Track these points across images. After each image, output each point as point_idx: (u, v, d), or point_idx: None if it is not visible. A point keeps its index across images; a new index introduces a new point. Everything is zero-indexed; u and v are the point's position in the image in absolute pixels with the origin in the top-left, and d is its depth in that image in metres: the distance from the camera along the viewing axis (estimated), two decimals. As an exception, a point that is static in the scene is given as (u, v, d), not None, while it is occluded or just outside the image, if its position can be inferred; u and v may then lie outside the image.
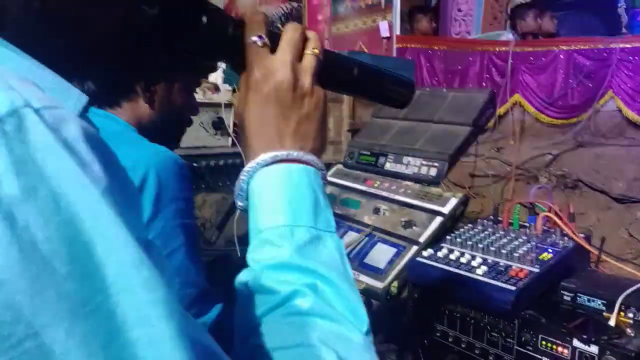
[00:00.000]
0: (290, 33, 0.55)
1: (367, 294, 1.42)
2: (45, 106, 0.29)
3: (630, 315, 1.12)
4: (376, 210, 1.64)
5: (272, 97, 0.52)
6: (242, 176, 0.53)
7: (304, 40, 0.55)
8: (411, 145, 1.74)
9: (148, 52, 0.57)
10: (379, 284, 1.37)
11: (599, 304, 1.16)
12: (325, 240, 0.51)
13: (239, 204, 0.55)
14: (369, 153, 1.86)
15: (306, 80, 0.54)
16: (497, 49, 4.16)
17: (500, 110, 4.04)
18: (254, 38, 0.53)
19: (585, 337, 1.06)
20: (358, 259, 1.48)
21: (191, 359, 0.29)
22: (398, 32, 4.88)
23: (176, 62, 1.06)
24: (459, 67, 4.37)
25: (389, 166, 1.77)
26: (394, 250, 1.46)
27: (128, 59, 0.51)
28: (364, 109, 3.81)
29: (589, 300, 1.18)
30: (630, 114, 3.66)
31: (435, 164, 1.62)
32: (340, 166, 1.96)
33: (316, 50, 0.55)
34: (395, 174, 1.74)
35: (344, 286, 0.48)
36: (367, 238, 1.54)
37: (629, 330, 1.09)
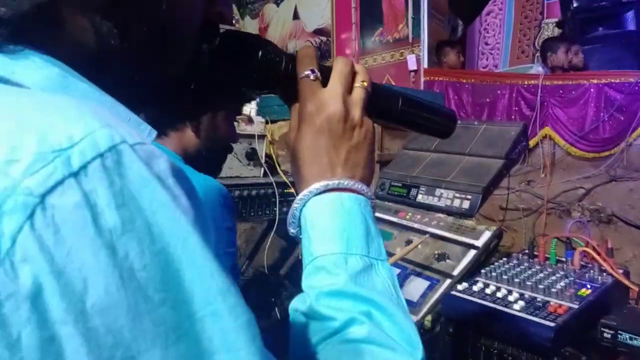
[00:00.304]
0: (340, 66, 0.57)
1: (400, 327, 1.41)
2: (138, 142, 0.31)
3: (675, 354, 1.09)
4: (408, 242, 1.64)
5: (324, 129, 0.55)
6: (296, 204, 0.54)
7: (353, 73, 0.58)
8: (444, 177, 1.74)
9: (205, 87, 0.60)
10: (412, 318, 1.35)
11: (642, 343, 1.13)
12: (377, 268, 0.52)
13: (292, 231, 0.56)
14: (400, 185, 1.87)
15: (356, 112, 0.56)
16: (526, 82, 4.15)
17: (530, 143, 4.01)
18: (307, 72, 0.56)
19: (628, 376, 1.03)
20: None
21: None
22: (426, 66, 4.92)
23: (226, 93, 1.10)
24: (487, 100, 4.37)
25: (421, 198, 1.77)
26: (427, 283, 1.45)
27: (185, 96, 0.54)
28: (392, 140, 3.82)
29: (630, 339, 1.15)
30: (664, 148, 3.59)
31: (469, 197, 1.62)
32: (371, 198, 1.97)
33: (365, 83, 0.58)
34: (427, 206, 1.73)
35: (398, 314, 0.49)
36: (399, 270, 1.54)
37: (673, 371, 1.06)
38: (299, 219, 0.55)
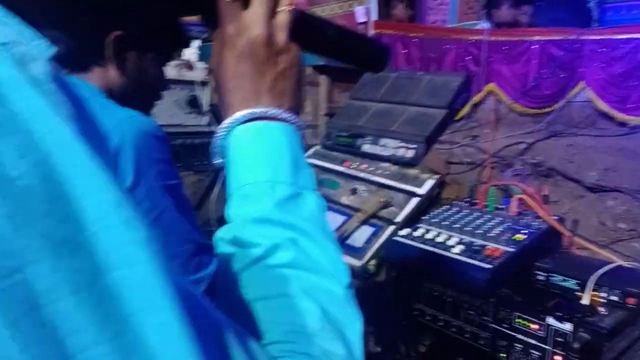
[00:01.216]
0: None
1: (344, 273, 1.42)
2: (13, 41, 0.27)
3: (603, 294, 1.14)
4: (354, 191, 1.64)
5: (246, 53, 0.51)
6: (219, 133, 0.52)
7: None
8: (388, 127, 1.73)
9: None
10: (357, 262, 1.36)
11: (573, 284, 1.18)
12: (305, 197, 0.51)
13: (217, 160, 0.54)
14: (346, 134, 1.85)
15: (281, 36, 0.53)
16: (471, 38, 4.18)
17: (475, 98, 4.07)
18: None
19: (559, 314, 1.07)
20: (337, 239, 1.47)
21: (174, 302, 0.28)
22: (375, 18, 4.86)
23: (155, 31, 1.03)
24: (435, 55, 4.39)
25: (366, 148, 1.76)
26: (371, 229, 1.45)
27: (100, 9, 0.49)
28: (341, 92, 3.80)
29: (563, 280, 1.20)
30: (602, 105, 3.73)
31: (412, 146, 1.62)
32: (318, 147, 1.94)
33: (290, 7, 0.54)
34: (372, 156, 1.73)
35: (324, 241, 0.49)
36: (345, 217, 1.53)
37: (601, 309, 1.11)
38: (224, 148, 0.52)
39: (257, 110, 0.51)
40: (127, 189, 0.87)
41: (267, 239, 0.47)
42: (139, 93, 1.07)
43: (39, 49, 0.35)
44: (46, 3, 0.42)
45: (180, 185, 0.95)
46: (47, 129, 0.26)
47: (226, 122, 0.52)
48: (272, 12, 0.53)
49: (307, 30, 0.59)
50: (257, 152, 0.50)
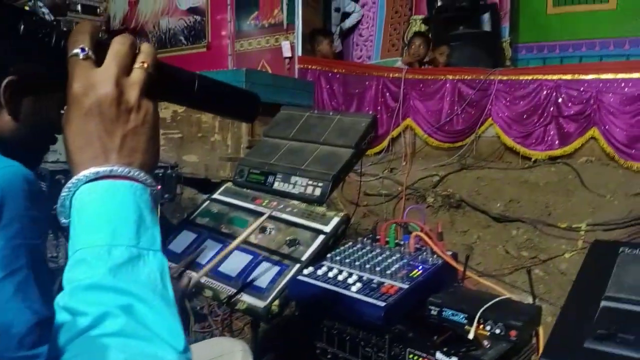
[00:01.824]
0: (116, 46, 0.54)
1: (250, 313, 1.42)
2: None
3: (488, 327, 1.21)
4: (263, 229, 1.65)
5: (94, 112, 0.51)
6: (64, 192, 0.51)
7: (134, 53, 0.55)
8: (299, 165, 1.77)
9: None
10: (260, 304, 1.37)
11: (461, 318, 1.25)
12: (146, 258, 0.50)
13: (63, 220, 0.52)
14: (258, 172, 1.88)
15: (132, 94, 0.53)
16: (391, 75, 4.38)
17: (394, 133, 4.26)
18: (76, 50, 0.52)
19: (446, 349, 1.13)
20: (242, 279, 1.48)
21: None
22: (300, 53, 4.98)
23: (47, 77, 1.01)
24: (357, 91, 4.55)
25: (277, 185, 1.79)
26: (277, 268, 1.47)
27: None
28: (263, 127, 3.83)
29: (452, 315, 1.27)
30: (507, 140, 4.00)
31: (320, 184, 1.67)
32: (230, 184, 1.95)
33: (145, 64, 0.54)
34: (283, 193, 1.76)
35: (160, 306, 0.48)
36: (252, 257, 1.54)
37: (485, 342, 1.19)
38: (70, 208, 0.51)
39: (103, 168, 0.50)
40: None
41: (96, 307, 0.46)
42: (33, 138, 1.04)
43: None
44: None
45: (41, 247, 0.91)
46: None
47: (71, 181, 0.51)
48: (126, 70, 0.53)
49: (169, 84, 0.59)
50: (98, 213, 0.50)
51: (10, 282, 0.83)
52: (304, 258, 1.48)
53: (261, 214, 1.72)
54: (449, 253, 1.44)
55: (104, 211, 0.50)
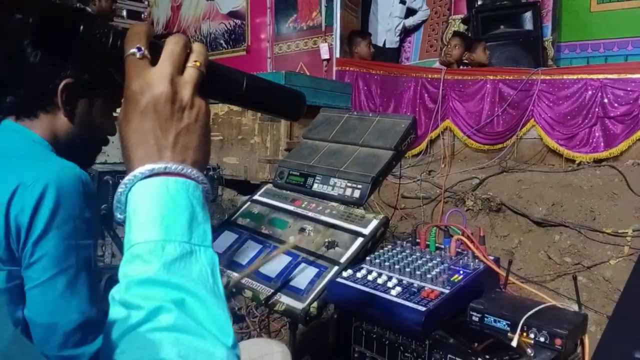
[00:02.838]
0: (171, 46, 0.55)
1: (288, 314, 1.43)
2: None
3: (532, 335, 1.19)
4: (302, 230, 1.66)
5: (150, 110, 0.52)
6: (120, 188, 0.52)
7: (187, 52, 0.56)
8: (338, 167, 1.78)
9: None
10: (299, 305, 1.38)
11: (504, 325, 1.23)
12: (198, 254, 0.51)
13: (118, 216, 0.54)
14: (298, 173, 1.89)
15: (186, 92, 0.54)
16: (430, 76, 4.33)
17: (432, 134, 4.20)
18: (133, 50, 0.53)
19: (488, 357, 1.11)
20: (281, 280, 1.49)
21: None
22: (338, 55, 4.98)
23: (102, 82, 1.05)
24: (395, 92, 4.52)
25: (316, 187, 1.80)
26: (315, 270, 1.48)
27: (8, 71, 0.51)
28: (302, 128, 3.85)
29: (495, 321, 1.24)
30: (550, 142, 3.89)
31: (359, 186, 1.66)
32: (270, 186, 1.97)
33: (198, 63, 0.56)
34: (322, 195, 1.77)
35: (210, 301, 0.49)
36: (290, 258, 1.55)
37: (529, 350, 1.16)
38: (125, 204, 0.52)
39: (158, 165, 0.51)
40: (34, 241, 0.86)
41: (150, 301, 0.47)
42: (87, 139, 1.08)
43: None
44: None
45: (92, 247, 0.94)
46: None
47: (127, 178, 0.52)
48: (179, 70, 0.54)
49: (219, 82, 0.60)
50: (153, 209, 0.50)
51: (60, 280, 0.86)
52: (342, 260, 1.48)
53: (300, 215, 1.73)
54: (491, 258, 1.42)
55: (158, 207, 0.50)
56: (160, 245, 0.49)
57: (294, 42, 5.70)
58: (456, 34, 5.12)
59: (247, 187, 3.59)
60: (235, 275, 1.55)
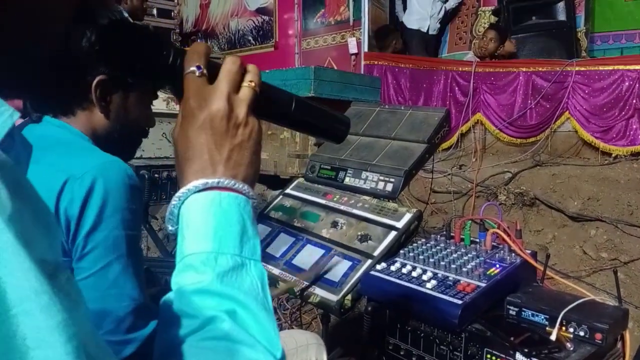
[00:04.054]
0: (228, 65, 0.57)
1: (322, 306, 1.44)
2: None
3: (571, 330, 1.16)
4: (334, 224, 1.67)
5: (206, 125, 0.54)
6: (174, 201, 0.54)
7: (243, 72, 0.58)
8: (369, 160, 1.77)
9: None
10: (333, 297, 1.38)
11: (542, 319, 1.20)
12: (248, 268, 0.52)
13: (170, 228, 0.55)
14: (329, 167, 1.89)
15: (241, 110, 0.56)
16: (460, 69, 4.27)
17: (463, 128, 4.15)
18: (192, 68, 0.55)
19: (526, 351, 1.10)
20: (314, 272, 1.50)
21: None
22: (366, 49, 4.96)
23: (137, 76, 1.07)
24: (424, 86, 4.47)
25: (348, 181, 1.80)
26: (349, 263, 1.48)
27: (68, 80, 0.52)
28: (330, 123, 3.85)
29: (532, 315, 1.22)
30: (585, 135, 3.80)
31: (392, 180, 1.65)
32: (301, 180, 1.98)
33: (253, 83, 0.58)
34: (354, 189, 1.76)
35: (261, 314, 0.50)
36: (324, 251, 1.56)
37: (568, 345, 1.14)
38: (178, 216, 0.54)
39: (211, 180, 0.53)
40: (86, 233, 0.89)
41: (205, 311, 0.48)
42: (125, 133, 1.10)
43: (5, 122, 0.38)
44: (30, 52, 0.45)
45: (139, 238, 0.97)
46: None
47: (181, 191, 0.54)
48: (236, 88, 0.57)
49: (270, 103, 0.62)
50: (206, 222, 0.52)
51: (112, 269, 0.89)
52: (376, 253, 1.48)
53: (332, 208, 1.74)
54: (528, 252, 1.39)
55: (211, 220, 0.52)
56: (213, 256, 0.51)
57: (321, 37, 5.70)
58: (492, 26, 5.02)
59: (276, 182, 3.61)
60: (269, 267, 1.57)
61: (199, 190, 0.53)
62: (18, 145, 0.42)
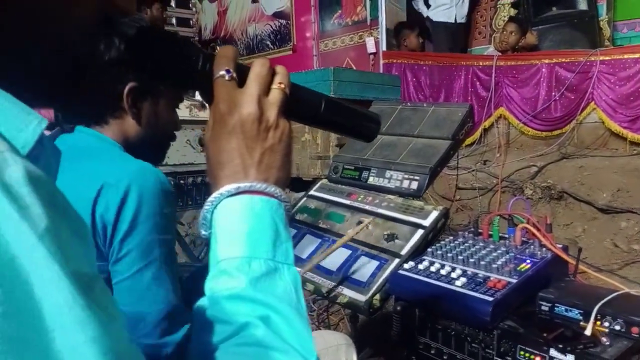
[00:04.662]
0: (257, 68, 0.57)
1: (351, 307, 1.44)
2: None
3: (606, 324, 1.14)
4: (359, 224, 1.66)
5: (237, 130, 0.54)
6: (206, 206, 0.54)
7: (272, 74, 0.57)
8: (393, 159, 1.76)
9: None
10: (361, 297, 1.38)
11: (576, 314, 1.18)
12: (282, 272, 0.52)
13: (203, 232, 0.55)
14: (352, 167, 1.89)
15: (271, 113, 0.56)
16: (480, 63, 4.22)
17: (486, 123, 4.10)
18: (222, 72, 0.55)
19: (561, 346, 1.08)
20: (342, 273, 1.50)
21: None
22: (384, 48, 4.94)
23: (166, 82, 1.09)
24: (445, 82, 4.44)
25: (372, 180, 1.79)
26: (376, 263, 1.47)
27: (100, 87, 0.53)
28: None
29: (566, 310, 1.20)
30: (613, 125, 3.72)
31: (417, 178, 1.64)
32: (325, 181, 1.98)
33: (282, 85, 0.57)
34: (378, 188, 1.76)
35: (295, 319, 0.50)
36: (350, 251, 1.56)
37: (604, 339, 1.11)
38: (211, 220, 0.54)
39: (244, 184, 0.53)
40: (121, 238, 0.91)
41: (239, 317, 0.48)
42: (155, 138, 1.13)
43: (34, 130, 0.39)
44: (53, 60, 0.46)
45: (172, 241, 0.98)
46: (12, 235, 0.29)
47: (213, 195, 0.54)
48: (265, 91, 0.56)
49: (299, 104, 0.62)
50: (239, 227, 0.52)
51: (147, 273, 0.91)
52: (403, 252, 1.47)
53: (357, 209, 1.73)
54: (559, 246, 1.37)
55: (244, 225, 0.52)
56: (247, 261, 0.51)
57: (339, 38, 5.70)
58: (512, 19, 4.94)
59: (299, 184, 3.62)
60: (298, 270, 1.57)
61: (232, 195, 0.53)
62: (48, 153, 0.42)
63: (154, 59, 0.55)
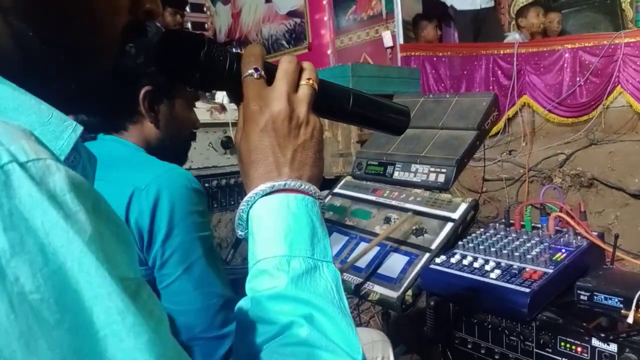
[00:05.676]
0: (285, 65, 0.56)
1: (383, 304, 1.42)
2: (31, 159, 0.30)
3: (650, 311, 1.10)
4: (387, 220, 1.64)
5: (269, 128, 0.54)
6: (242, 206, 0.54)
7: (299, 71, 0.57)
8: (418, 152, 1.74)
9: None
10: (393, 294, 1.36)
11: (616, 302, 1.15)
12: (321, 270, 0.51)
13: (239, 233, 0.55)
14: (376, 163, 1.87)
15: (302, 110, 0.55)
16: (501, 52, 4.15)
17: (509, 112, 4.03)
18: (250, 71, 0.55)
19: (603, 335, 1.05)
20: (372, 270, 1.48)
21: None
22: (401, 41, 4.89)
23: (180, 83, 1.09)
24: (465, 72, 4.37)
25: (397, 175, 1.77)
26: (406, 258, 1.45)
27: (125, 93, 0.53)
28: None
29: (605, 299, 1.17)
30: (641, 108, 3.62)
31: (443, 170, 1.62)
32: (349, 178, 1.96)
33: (311, 81, 0.57)
34: (404, 183, 1.73)
35: (338, 316, 0.49)
36: (379, 248, 1.54)
37: (648, 327, 1.08)
38: (247, 220, 0.54)
39: (278, 182, 0.53)
40: (161, 242, 0.91)
41: (282, 316, 0.48)
42: (175, 139, 1.13)
43: (70, 136, 0.38)
44: (86, 70, 0.46)
45: (211, 238, 0.99)
46: (60, 243, 0.29)
47: (248, 195, 0.53)
48: (294, 88, 0.56)
49: (327, 99, 0.61)
50: (276, 226, 0.51)
51: (193, 271, 0.92)
52: (433, 247, 1.44)
53: (383, 204, 1.71)
54: (594, 234, 1.33)
55: (280, 224, 0.51)
56: (286, 260, 0.50)
57: (355, 34, 5.67)
58: (533, 3, 4.84)
59: (322, 182, 3.61)
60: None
61: (267, 194, 0.53)
62: (84, 159, 0.42)
63: (181, 62, 0.54)
